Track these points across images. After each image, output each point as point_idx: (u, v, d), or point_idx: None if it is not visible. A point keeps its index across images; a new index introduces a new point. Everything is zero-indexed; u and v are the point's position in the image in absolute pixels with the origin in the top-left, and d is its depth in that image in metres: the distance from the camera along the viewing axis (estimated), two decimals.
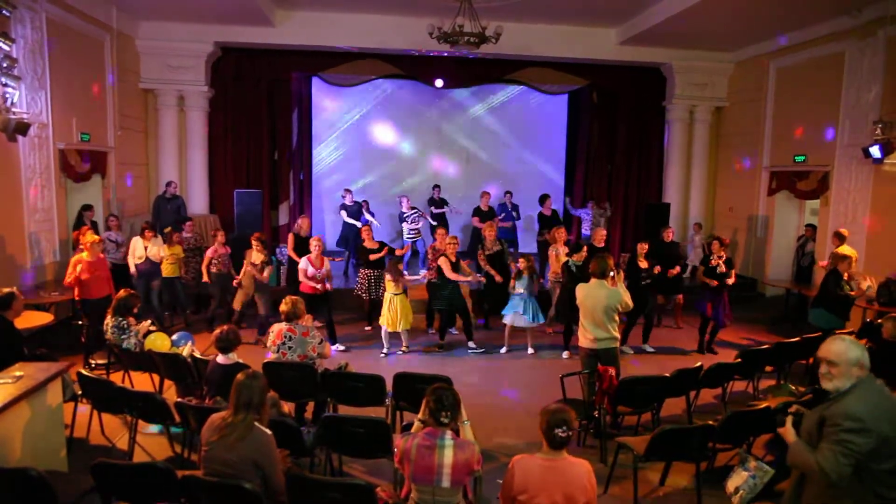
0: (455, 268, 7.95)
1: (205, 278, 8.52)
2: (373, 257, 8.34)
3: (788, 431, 3.00)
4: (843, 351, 2.78)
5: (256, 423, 3.35)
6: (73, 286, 7.13)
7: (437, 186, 11.87)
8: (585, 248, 7.91)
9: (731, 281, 7.97)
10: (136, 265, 8.39)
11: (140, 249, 8.40)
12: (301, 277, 7.71)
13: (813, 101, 10.06)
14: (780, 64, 10.92)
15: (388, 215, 13.04)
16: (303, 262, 7.76)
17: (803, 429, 2.98)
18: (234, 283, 8.25)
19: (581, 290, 5.84)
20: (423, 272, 8.98)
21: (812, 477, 2.87)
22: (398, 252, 8.24)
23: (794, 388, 5.88)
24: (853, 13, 8.76)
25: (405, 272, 8.09)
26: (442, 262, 7.91)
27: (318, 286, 7.67)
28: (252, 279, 8.13)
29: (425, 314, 8.89)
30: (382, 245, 8.51)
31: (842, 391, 2.79)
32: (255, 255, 8.18)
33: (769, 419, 4.73)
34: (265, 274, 8.17)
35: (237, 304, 8.29)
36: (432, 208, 11.43)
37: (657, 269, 8.13)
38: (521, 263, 7.95)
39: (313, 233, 12.98)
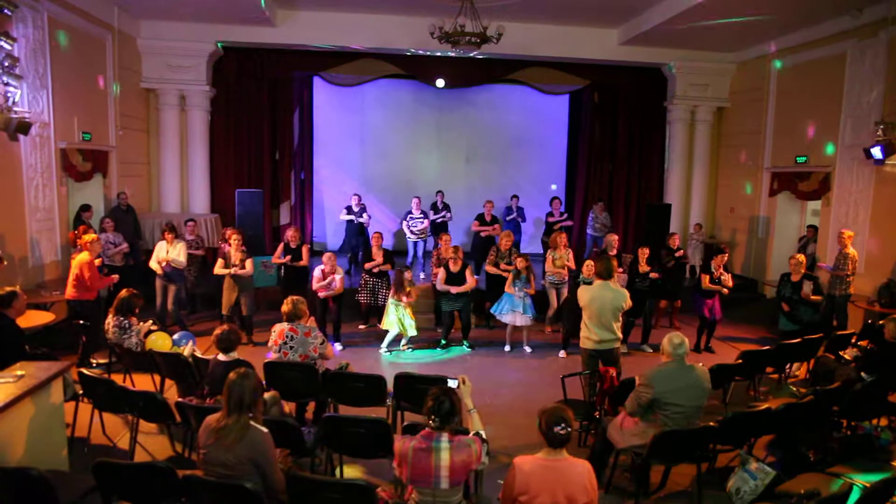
0: (455, 279, 7.99)
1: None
2: (375, 270, 8.34)
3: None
4: (664, 342, 4.39)
5: (252, 423, 3.34)
6: (95, 286, 6.89)
7: (440, 192, 11.73)
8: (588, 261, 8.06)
9: (728, 285, 8.15)
10: (163, 268, 8.04)
11: (163, 253, 8.06)
12: (314, 285, 7.79)
13: (814, 102, 10.06)
14: (782, 65, 10.90)
15: (387, 216, 13.05)
16: (316, 271, 7.84)
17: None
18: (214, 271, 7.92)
19: (586, 293, 5.80)
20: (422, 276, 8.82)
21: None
22: (407, 275, 7.98)
23: (794, 388, 5.88)
24: (854, 14, 8.75)
25: (410, 285, 7.97)
26: (440, 273, 8.05)
27: (329, 291, 7.74)
28: (233, 281, 7.79)
29: (434, 312, 8.87)
30: (388, 258, 8.43)
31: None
32: (234, 254, 7.78)
33: (770, 420, 4.74)
34: (248, 267, 7.82)
35: (225, 309, 7.95)
36: (432, 212, 11.27)
37: (654, 275, 8.13)
38: (519, 263, 7.97)
39: (314, 232, 13.06)
